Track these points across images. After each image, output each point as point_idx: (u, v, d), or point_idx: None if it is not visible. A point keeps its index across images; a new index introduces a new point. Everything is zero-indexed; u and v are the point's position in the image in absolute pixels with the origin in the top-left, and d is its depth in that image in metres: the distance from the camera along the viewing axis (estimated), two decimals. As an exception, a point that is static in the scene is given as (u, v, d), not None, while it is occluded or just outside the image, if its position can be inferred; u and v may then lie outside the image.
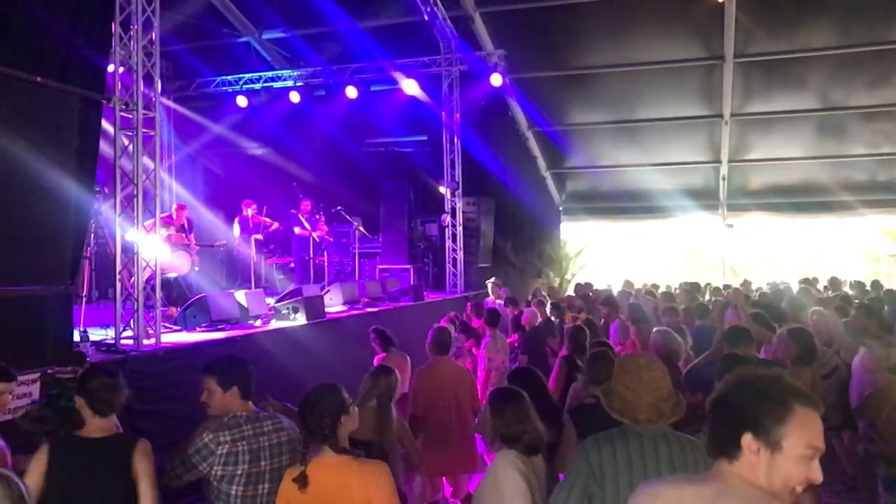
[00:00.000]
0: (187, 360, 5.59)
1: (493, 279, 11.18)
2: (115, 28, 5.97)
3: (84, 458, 2.82)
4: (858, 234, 17.38)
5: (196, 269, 9.13)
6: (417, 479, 5.05)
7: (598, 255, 17.54)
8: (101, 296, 7.62)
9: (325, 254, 11.64)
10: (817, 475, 1.63)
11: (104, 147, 5.82)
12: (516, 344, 8.07)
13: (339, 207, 12.15)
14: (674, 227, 17.04)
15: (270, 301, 8.13)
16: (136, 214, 6.03)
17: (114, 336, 5.81)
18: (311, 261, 11.38)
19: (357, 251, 12.59)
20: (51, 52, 5.02)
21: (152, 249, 6.33)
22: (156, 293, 6.23)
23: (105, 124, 5.70)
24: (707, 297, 10.68)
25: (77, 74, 5.19)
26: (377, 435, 3.85)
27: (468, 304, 9.71)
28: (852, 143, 14.11)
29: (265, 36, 13.85)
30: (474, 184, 13.39)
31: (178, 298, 8.28)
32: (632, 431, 2.63)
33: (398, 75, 12.81)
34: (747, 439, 1.65)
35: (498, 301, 10.04)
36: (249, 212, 11.24)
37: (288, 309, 7.49)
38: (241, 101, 13.88)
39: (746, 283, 12.46)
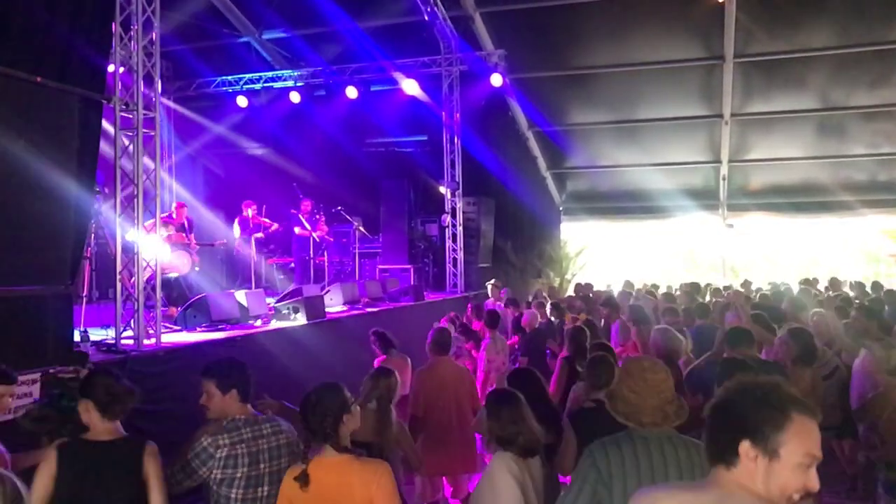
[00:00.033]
0: (187, 360, 5.59)
1: (492, 281, 11.16)
2: (116, 28, 5.97)
3: (93, 462, 2.80)
4: (858, 234, 17.38)
5: (196, 269, 9.13)
6: (417, 479, 5.05)
7: (598, 256, 17.54)
8: (102, 296, 7.62)
9: (326, 254, 11.64)
10: (814, 484, 1.63)
11: (104, 147, 5.83)
12: (517, 346, 8.06)
13: (339, 207, 12.15)
14: (674, 227, 17.04)
15: (271, 301, 8.13)
16: (136, 214, 6.03)
17: (114, 336, 5.82)
18: (312, 261, 11.38)
19: (357, 251, 12.59)
20: (51, 53, 5.02)
21: (152, 249, 6.33)
22: (156, 293, 6.23)
23: (105, 124, 5.71)
24: (707, 297, 10.67)
25: (77, 74, 5.19)
26: (377, 437, 3.85)
27: (469, 305, 9.71)
28: (852, 143, 14.11)
29: (265, 36, 13.85)
30: (474, 184, 13.39)
31: (179, 298, 8.28)
32: (637, 435, 2.63)
33: (398, 75, 12.81)
34: (745, 446, 1.65)
35: (498, 302, 10.04)
36: (249, 212, 11.24)
37: (288, 309, 7.49)
38: (242, 101, 13.89)
39: (747, 284, 12.47)
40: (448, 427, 4.99)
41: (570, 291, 13.39)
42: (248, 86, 13.84)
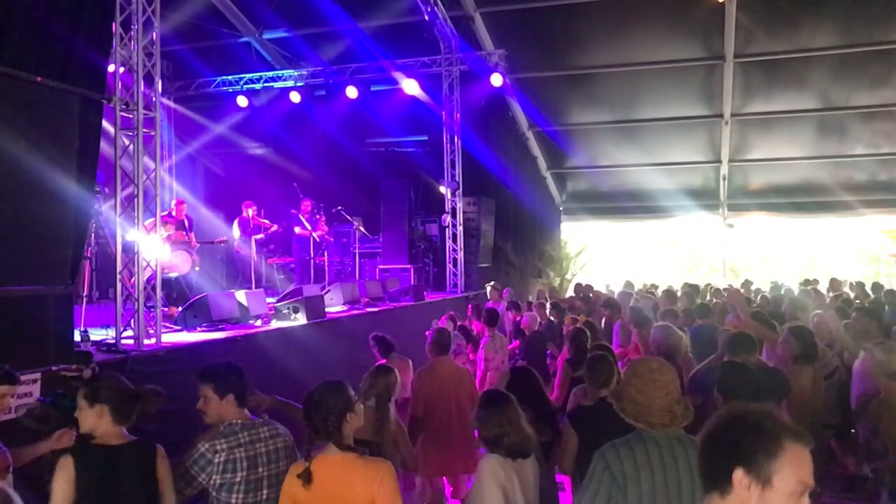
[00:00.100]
0: (188, 360, 5.58)
1: (492, 283, 11.09)
2: (116, 28, 5.97)
3: (109, 466, 2.80)
4: (858, 234, 17.39)
5: (196, 268, 9.14)
6: (418, 479, 5.05)
7: (599, 256, 17.54)
8: (102, 296, 7.63)
9: (326, 254, 11.64)
10: None
11: (104, 147, 5.82)
12: (517, 351, 8.01)
13: (339, 207, 12.14)
14: (674, 227, 17.05)
15: (271, 301, 8.13)
16: (136, 214, 6.03)
17: (114, 336, 5.81)
18: (312, 261, 11.38)
19: (357, 251, 12.58)
20: (51, 53, 5.02)
21: (153, 249, 6.33)
22: (156, 293, 6.23)
23: (105, 124, 5.70)
24: (707, 298, 10.65)
25: (77, 74, 5.19)
26: (375, 435, 3.84)
27: (469, 306, 9.68)
28: (852, 143, 14.12)
29: (266, 36, 13.84)
30: (474, 184, 13.40)
31: (179, 298, 8.28)
32: (647, 436, 2.63)
33: (398, 75, 12.81)
34: (738, 474, 1.66)
35: (500, 303, 10.00)
36: (250, 212, 11.25)
37: (288, 309, 7.49)
38: (242, 101, 13.89)
39: (747, 283, 12.46)
40: (448, 427, 4.98)
41: (571, 291, 13.38)
42: (248, 86, 13.84)
